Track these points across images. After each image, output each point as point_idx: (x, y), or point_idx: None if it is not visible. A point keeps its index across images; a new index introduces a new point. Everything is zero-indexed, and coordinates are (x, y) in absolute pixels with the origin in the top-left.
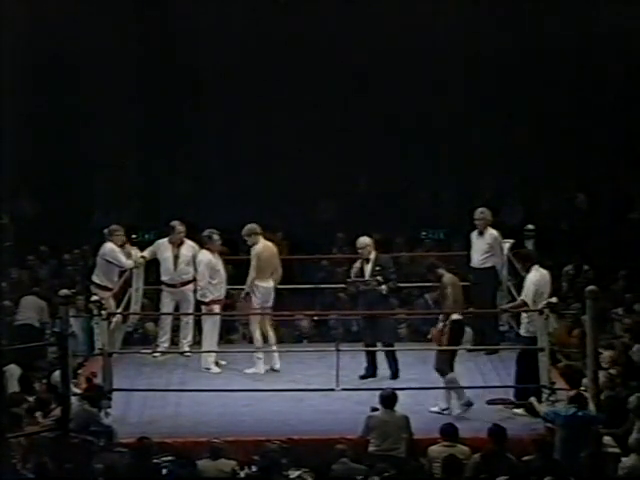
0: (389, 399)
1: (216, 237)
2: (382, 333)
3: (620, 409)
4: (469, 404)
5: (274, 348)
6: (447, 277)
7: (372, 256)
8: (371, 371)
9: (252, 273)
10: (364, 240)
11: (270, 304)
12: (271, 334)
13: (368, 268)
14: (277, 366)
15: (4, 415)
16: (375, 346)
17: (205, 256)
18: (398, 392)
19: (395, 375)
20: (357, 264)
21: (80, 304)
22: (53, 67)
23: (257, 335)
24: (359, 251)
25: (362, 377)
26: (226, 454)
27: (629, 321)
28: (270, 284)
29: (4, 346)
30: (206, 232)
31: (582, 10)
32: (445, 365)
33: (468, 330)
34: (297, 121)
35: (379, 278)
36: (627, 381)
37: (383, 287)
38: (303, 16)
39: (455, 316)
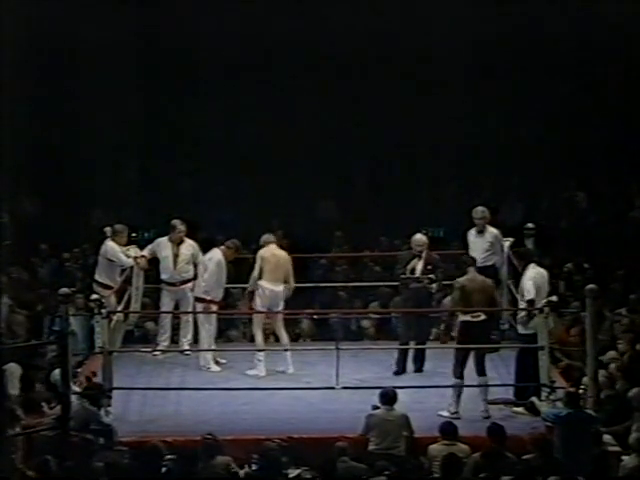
0: (389, 397)
1: (238, 245)
2: (420, 330)
3: (620, 407)
4: (454, 417)
5: (287, 352)
6: (459, 279)
7: (424, 254)
8: (402, 368)
9: (253, 273)
10: (421, 238)
11: (280, 308)
12: (284, 336)
13: (419, 266)
14: (290, 370)
15: (4, 414)
16: (409, 343)
17: (217, 255)
18: (399, 390)
19: (420, 369)
20: (412, 262)
21: (80, 302)
22: (53, 66)
23: (259, 337)
24: (416, 248)
25: (396, 373)
26: (221, 451)
27: (627, 321)
28: (278, 288)
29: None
30: (234, 240)
31: (582, 7)
32: (455, 367)
33: None
34: (297, 120)
35: (432, 276)
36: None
37: (434, 285)
38: (304, 13)
39: (462, 318)
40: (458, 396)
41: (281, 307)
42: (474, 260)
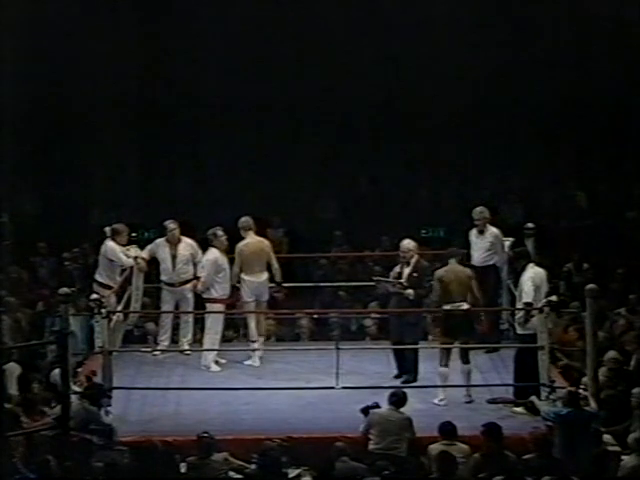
0: (397, 399)
1: (220, 233)
2: (407, 333)
3: (620, 407)
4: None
5: (256, 344)
6: (438, 271)
7: (413, 260)
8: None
9: (234, 268)
10: (408, 244)
11: (264, 299)
12: (259, 328)
13: (406, 272)
14: (256, 364)
15: (4, 414)
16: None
17: (212, 254)
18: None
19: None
20: (397, 267)
21: (80, 302)
22: (53, 66)
23: (252, 326)
24: (401, 254)
25: (397, 377)
26: (218, 449)
27: (623, 321)
28: (260, 279)
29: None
30: (210, 231)
31: (582, 8)
32: (440, 357)
33: None
34: (297, 120)
35: (404, 282)
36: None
37: (410, 292)
38: (304, 15)
39: (444, 307)
40: (444, 383)
41: (266, 297)
42: (460, 254)
